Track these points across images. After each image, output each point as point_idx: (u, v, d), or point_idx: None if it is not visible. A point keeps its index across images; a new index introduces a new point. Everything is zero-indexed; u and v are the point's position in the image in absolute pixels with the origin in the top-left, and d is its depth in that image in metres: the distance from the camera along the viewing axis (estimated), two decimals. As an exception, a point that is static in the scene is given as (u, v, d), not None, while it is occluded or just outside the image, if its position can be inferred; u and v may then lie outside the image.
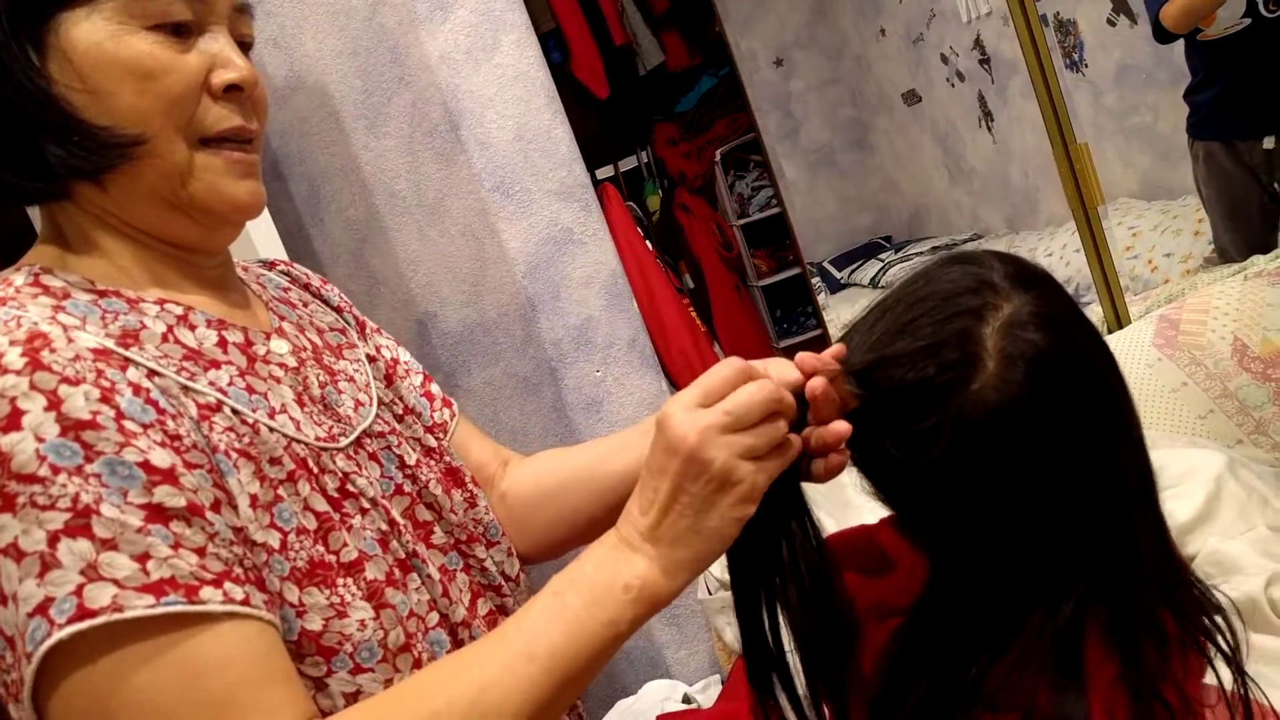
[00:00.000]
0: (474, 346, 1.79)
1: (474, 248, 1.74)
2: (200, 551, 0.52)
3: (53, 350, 0.52)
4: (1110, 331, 1.88)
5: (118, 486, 0.51)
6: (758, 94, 4.19)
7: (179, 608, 0.50)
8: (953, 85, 3.88)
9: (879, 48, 4.27)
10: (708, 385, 0.55)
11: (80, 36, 0.57)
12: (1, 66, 0.56)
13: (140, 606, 0.50)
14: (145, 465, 0.52)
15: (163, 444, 0.54)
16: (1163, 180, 2.93)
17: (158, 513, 0.52)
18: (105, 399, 0.52)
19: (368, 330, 0.83)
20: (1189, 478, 1.44)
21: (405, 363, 0.84)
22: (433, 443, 0.76)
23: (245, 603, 0.53)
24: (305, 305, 0.78)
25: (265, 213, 1.58)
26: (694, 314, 2.29)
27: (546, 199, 1.72)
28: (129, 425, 0.53)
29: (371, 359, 0.77)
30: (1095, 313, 1.99)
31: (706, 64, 2.52)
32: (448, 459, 0.76)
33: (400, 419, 0.75)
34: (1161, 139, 2.92)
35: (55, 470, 0.50)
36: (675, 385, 2.13)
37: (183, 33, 0.60)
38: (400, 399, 0.77)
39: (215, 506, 0.55)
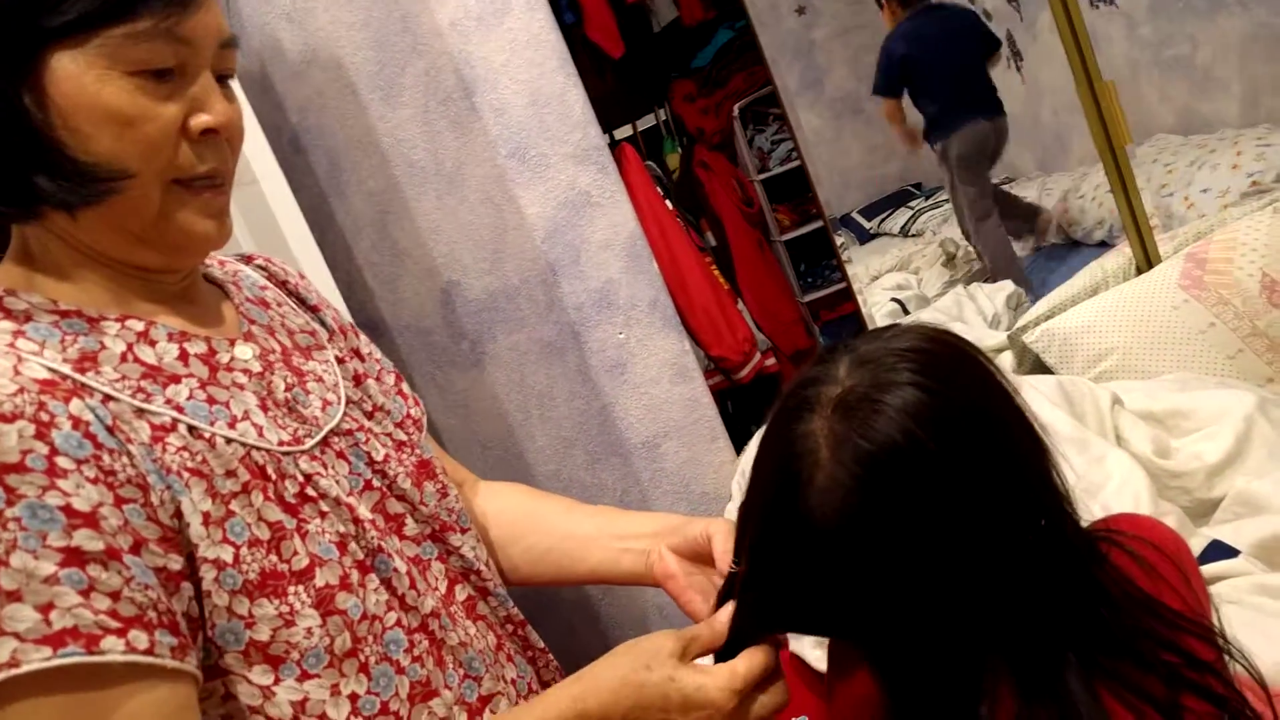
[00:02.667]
0: (497, 313, 1.81)
1: (493, 215, 1.75)
2: (114, 595, 0.54)
3: None
4: (1140, 273, 1.85)
5: (37, 530, 0.52)
6: (780, 44, 4.10)
7: (76, 659, 0.52)
8: (979, 24, 3.78)
9: (903, -11, 4.17)
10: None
11: (65, 78, 0.58)
12: None
13: (37, 660, 0.51)
14: (67, 509, 0.53)
15: (94, 480, 0.55)
16: (1200, 113, 2.85)
17: (75, 556, 0.53)
18: (40, 434, 0.54)
19: (349, 332, 0.85)
20: (1220, 418, 1.43)
21: (379, 360, 0.86)
22: (403, 437, 0.78)
23: (149, 651, 0.54)
24: (279, 305, 0.79)
25: (286, 188, 1.60)
26: (716, 272, 2.29)
27: (563, 163, 1.72)
28: (60, 462, 0.54)
29: (340, 360, 0.79)
30: (1125, 253, 1.95)
31: (722, 17, 2.48)
32: (419, 452, 0.79)
33: (370, 415, 0.77)
34: (1199, 70, 2.83)
35: None
36: (698, 343, 2.14)
37: (165, 76, 0.61)
38: (369, 397, 0.79)
39: (135, 548, 0.56)
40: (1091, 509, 0.64)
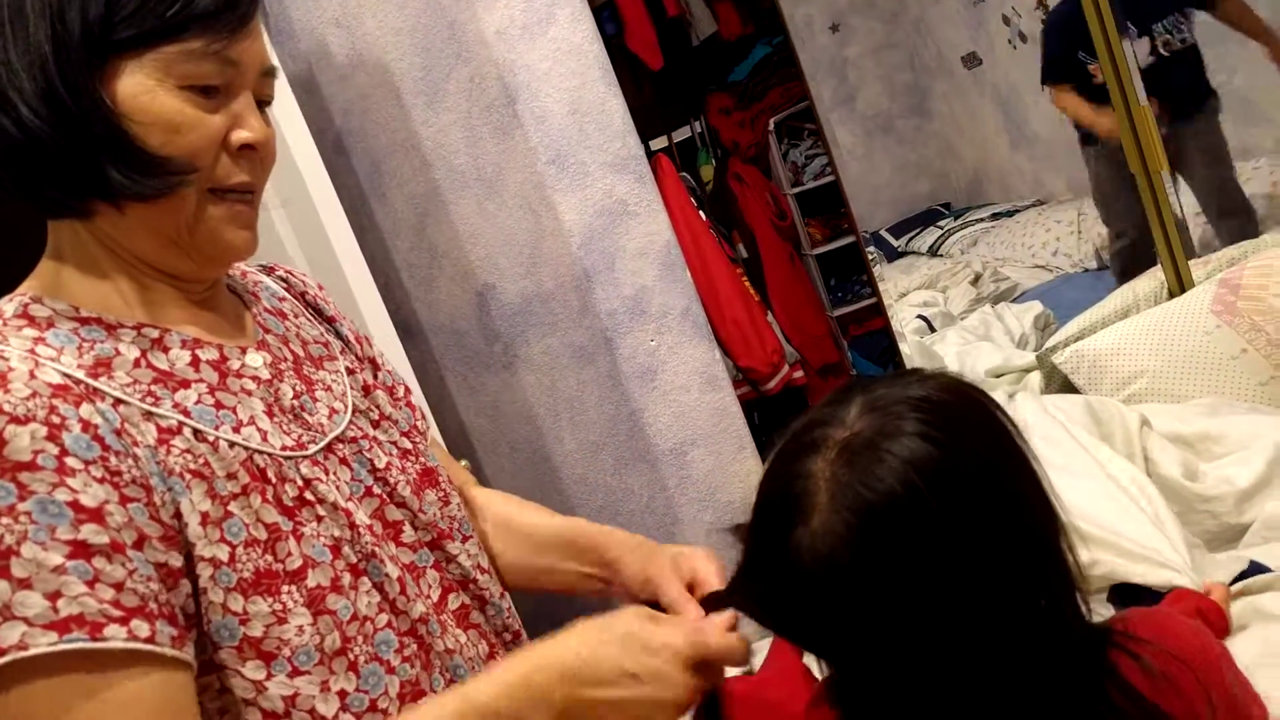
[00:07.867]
0: (531, 317, 1.84)
1: (531, 220, 1.78)
2: (118, 586, 0.57)
3: (8, 391, 0.58)
4: (1172, 297, 1.85)
5: (47, 523, 0.56)
6: (813, 60, 4.13)
7: (80, 644, 0.55)
8: (1015, 47, 3.79)
9: (938, 10, 4.18)
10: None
11: (124, 84, 0.64)
12: (80, 95, 0.62)
13: (44, 644, 0.54)
14: (74, 504, 0.57)
15: (101, 479, 0.58)
16: (1239, 140, 2.84)
17: (81, 548, 0.56)
18: (51, 436, 0.58)
19: (364, 343, 0.89)
20: (1250, 443, 1.43)
21: (391, 372, 0.90)
22: (408, 445, 0.82)
23: (150, 640, 0.57)
24: (295, 317, 0.83)
25: (330, 188, 1.64)
26: (748, 283, 2.31)
27: (601, 171, 1.75)
28: (70, 462, 0.58)
29: (351, 371, 0.83)
30: (1157, 277, 1.95)
31: (760, 32, 2.50)
32: (423, 460, 0.82)
33: (376, 424, 0.81)
34: (1238, 98, 2.82)
35: None
36: (727, 354, 2.15)
37: (211, 93, 0.66)
38: (377, 407, 0.82)
39: (139, 544, 0.59)
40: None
